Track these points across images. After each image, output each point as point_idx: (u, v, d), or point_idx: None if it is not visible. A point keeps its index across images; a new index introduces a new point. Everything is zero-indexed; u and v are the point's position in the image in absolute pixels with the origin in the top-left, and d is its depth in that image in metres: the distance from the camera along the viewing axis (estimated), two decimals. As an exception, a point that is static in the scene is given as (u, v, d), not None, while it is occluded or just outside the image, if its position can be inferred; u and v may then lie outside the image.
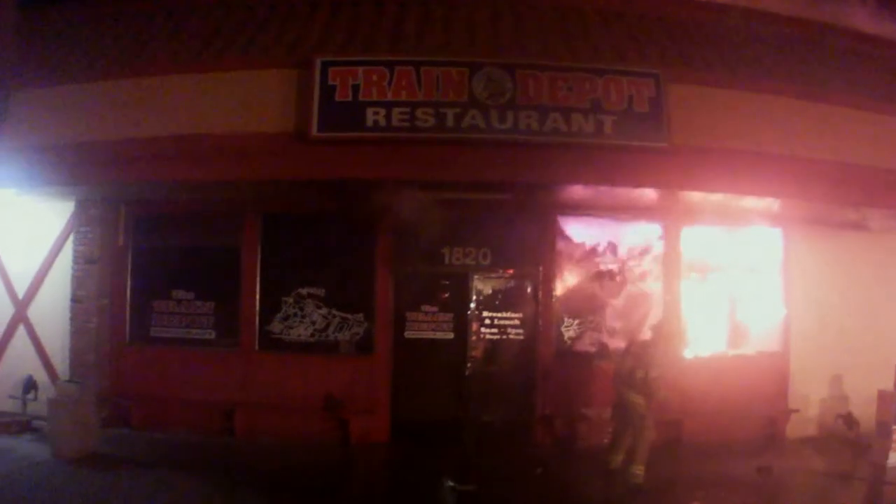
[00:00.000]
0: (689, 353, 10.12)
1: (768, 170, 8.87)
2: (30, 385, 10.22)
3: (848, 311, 10.50)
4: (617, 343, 9.65)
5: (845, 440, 10.09)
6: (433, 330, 9.90)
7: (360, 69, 8.70)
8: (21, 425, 9.86)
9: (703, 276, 10.34)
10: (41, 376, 10.30)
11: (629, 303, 10.13)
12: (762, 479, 8.39)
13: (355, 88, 8.63)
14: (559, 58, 9.31)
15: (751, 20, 10.58)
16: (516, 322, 9.97)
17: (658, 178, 8.79)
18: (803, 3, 10.94)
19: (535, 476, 8.63)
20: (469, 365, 9.85)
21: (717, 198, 9.34)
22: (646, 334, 8.74)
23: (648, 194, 9.38)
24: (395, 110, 8.57)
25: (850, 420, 10.24)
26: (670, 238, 10.26)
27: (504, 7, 10.18)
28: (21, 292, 10.52)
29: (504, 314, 9.97)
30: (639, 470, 8.13)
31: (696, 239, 10.36)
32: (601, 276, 10.07)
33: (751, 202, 9.60)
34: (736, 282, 10.47)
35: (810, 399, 10.65)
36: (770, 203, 9.69)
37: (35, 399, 10.15)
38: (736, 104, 9.09)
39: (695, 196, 9.33)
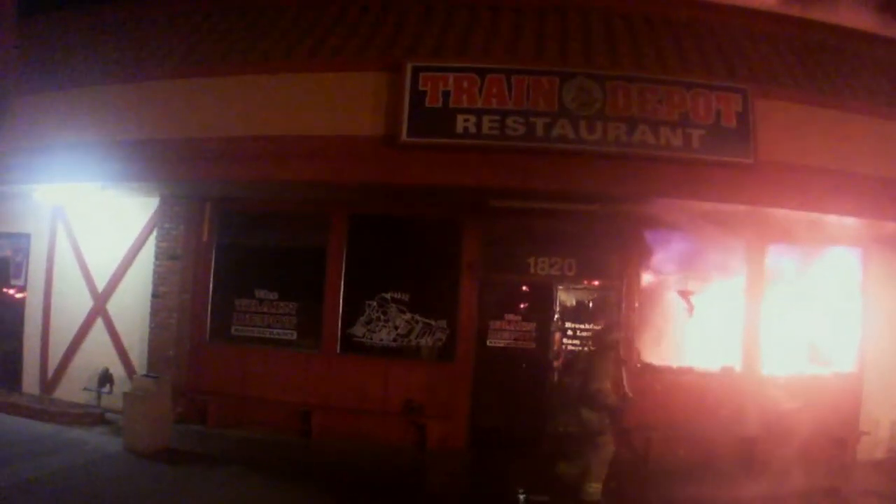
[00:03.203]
0: (766, 372, 10.06)
1: (852, 188, 8.74)
2: (105, 378, 10.30)
3: (923, 334, 10.37)
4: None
5: (914, 464, 9.98)
6: (515, 339, 9.88)
7: (451, 75, 8.73)
8: (94, 417, 9.95)
9: (783, 294, 10.19)
10: (117, 370, 10.38)
11: (712, 319, 10.03)
12: (829, 501, 8.31)
13: (446, 95, 8.66)
14: (649, 70, 9.29)
15: (839, 38, 10.53)
16: (598, 334, 9.92)
17: (742, 194, 8.69)
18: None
19: (609, 490, 8.60)
20: (549, 375, 9.81)
21: (799, 216, 9.24)
22: (591, 346, 8.71)
23: (733, 210, 9.29)
24: (486, 118, 8.58)
25: (918, 443, 10.14)
26: (753, 256, 10.14)
27: (596, 18, 10.16)
28: (101, 285, 10.61)
29: (586, 326, 9.91)
30: (594, 488, 7.85)
31: (777, 257, 10.24)
32: (685, 291, 10.00)
33: (833, 221, 9.48)
34: (814, 301, 10.29)
35: (881, 422, 10.50)
36: (852, 222, 9.58)
37: (110, 392, 10.24)
38: (822, 122, 9.02)
39: (778, 213, 9.24)
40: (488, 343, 9.88)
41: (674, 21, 10.31)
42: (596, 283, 10.08)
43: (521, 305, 10.00)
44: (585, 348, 9.43)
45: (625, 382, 7.95)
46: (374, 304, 10.06)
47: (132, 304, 10.41)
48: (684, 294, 10.02)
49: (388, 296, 10.04)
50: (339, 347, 10.05)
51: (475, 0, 10.30)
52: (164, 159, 9.11)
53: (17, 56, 9.88)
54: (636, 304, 9.94)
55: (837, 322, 10.43)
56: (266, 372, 10.01)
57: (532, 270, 9.92)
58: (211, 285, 10.45)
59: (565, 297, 9.97)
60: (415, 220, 10.09)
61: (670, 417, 9.52)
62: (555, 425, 9.61)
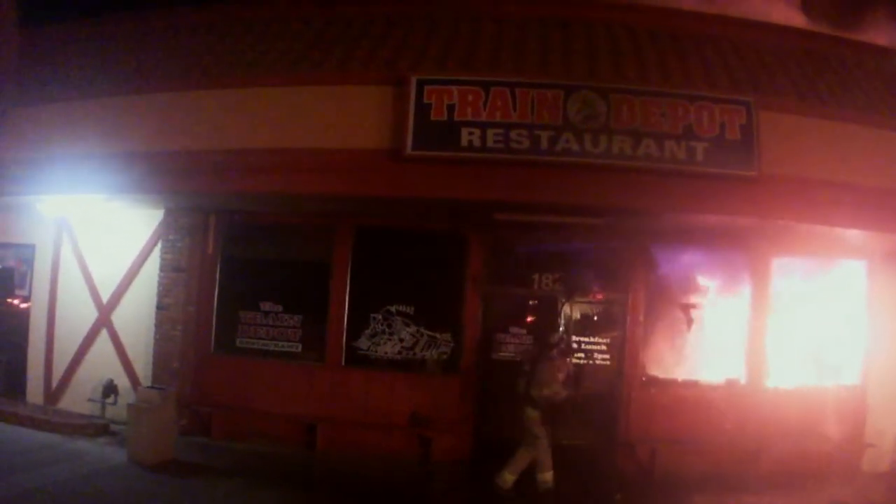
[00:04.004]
0: (770, 385, 10.07)
1: (857, 201, 8.75)
2: (110, 389, 10.34)
3: (927, 347, 10.35)
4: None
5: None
6: (521, 352, 9.78)
7: (456, 88, 8.69)
8: (98, 428, 9.97)
9: (788, 307, 10.20)
10: (121, 381, 10.41)
11: (717, 332, 10.05)
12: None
13: (450, 108, 8.62)
14: (653, 82, 9.28)
15: (843, 49, 10.54)
16: (603, 347, 9.94)
17: (746, 206, 8.69)
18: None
19: (614, 502, 8.61)
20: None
21: (803, 228, 9.26)
22: (536, 351, 8.88)
23: (737, 223, 9.30)
24: (490, 131, 8.54)
25: (921, 456, 10.11)
26: (758, 268, 10.15)
27: (600, 31, 10.15)
28: (106, 297, 10.64)
29: (591, 339, 9.95)
30: (508, 478, 8.50)
31: (782, 270, 10.25)
32: (690, 304, 10.01)
33: (837, 233, 9.49)
34: (819, 314, 10.31)
35: (886, 434, 10.47)
36: (857, 235, 9.58)
37: (115, 403, 10.28)
38: (826, 134, 9.00)
39: (783, 226, 9.23)
40: (494, 356, 9.88)
41: (677, 34, 10.27)
42: (600, 296, 10.07)
43: (526, 318, 10.01)
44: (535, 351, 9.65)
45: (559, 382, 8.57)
46: (379, 316, 10.06)
47: (137, 316, 10.43)
48: (685, 308, 10.04)
49: (392, 308, 10.04)
50: (343, 360, 10.06)
51: (480, 14, 10.28)
52: (168, 171, 9.11)
53: (15, 64, 9.97)
54: (641, 318, 9.93)
55: (842, 334, 10.43)
56: (271, 384, 10.00)
57: (537, 284, 9.93)
58: (216, 297, 10.45)
59: (570, 311, 9.96)
60: (420, 233, 10.10)
61: (675, 430, 9.58)
62: (560, 437, 9.58)
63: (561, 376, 8.70)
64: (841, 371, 10.40)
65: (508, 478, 8.47)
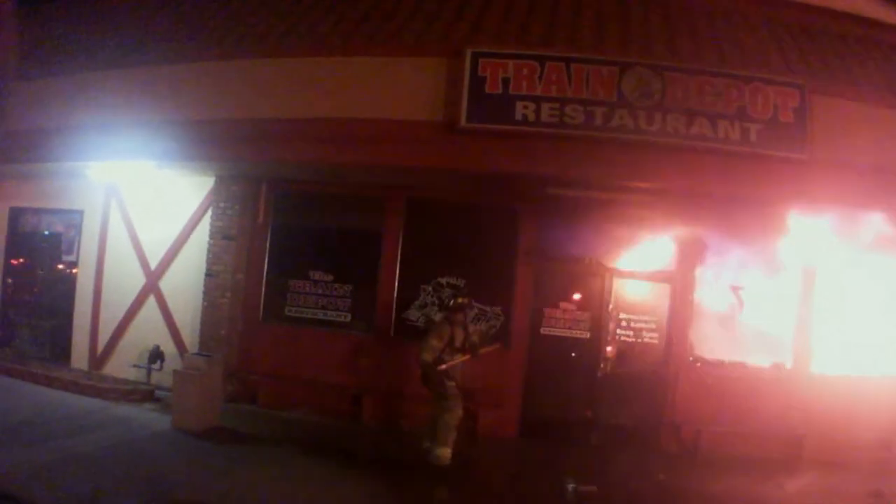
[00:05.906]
0: (816, 371, 10.03)
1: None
2: (156, 355, 10.40)
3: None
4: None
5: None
6: (569, 328, 9.86)
7: (511, 62, 8.68)
8: (144, 394, 10.03)
9: (835, 294, 10.11)
10: (168, 347, 10.47)
11: (764, 315, 10.00)
12: (873, 502, 8.22)
13: (505, 81, 8.62)
14: (708, 62, 9.22)
15: (897, 36, 10.49)
16: (652, 326, 9.91)
17: (797, 190, 8.66)
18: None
19: (657, 482, 8.58)
20: (602, 365, 9.79)
21: (853, 214, 9.24)
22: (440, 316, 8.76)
23: (788, 206, 9.29)
24: (545, 105, 8.53)
25: (963, 448, 10.02)
26: (807, 254, 10.00)
27: (655, 8, 10.13)
28: (154, 263, 10.71)
29: (640, 317, 9.92)
30: (443, 452, 8.15)
31: (831, 257, 10.08)
32: (736, 286, 9.96)
33: (887, 221, 9.45)
34: (866, 303, 10.18)
35: (928, 424, 10.45)
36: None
37: (160, 369, 10.33)
38: (878, 120, 8.91)
39: (832, 211, 9.19)
40: (542, 331, 9.84)
41: (733, 15, 10.26)
42: (650, 274, 10.01)
43: (576, 294, 9.97)
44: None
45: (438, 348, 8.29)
46: (429, 288, 10.07)
47: (185, 283, 10.48)
48: (735, 289, 9.98)
49: (443, 280, 10.04)
50: (392, 331, 10.07)
51: (536, -13, 10.29)
52: (222, 139, 9.15)
53: (16, 42, 9.97)
54: (690, 298, 9.87)
55: (889, 325, 10.30)
56: (318, 354, 10.04)
57: (587, 260, 9.91)
58: (265, 266, 10.49)
59: (620, 288, 9.93)
60: (471, 206, 10.08)
61: (720, 411, 9.56)
62: (606, 416, 9.62)
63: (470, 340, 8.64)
64: (886, 361, 10.30)
65: (442, 453, 8.15)
